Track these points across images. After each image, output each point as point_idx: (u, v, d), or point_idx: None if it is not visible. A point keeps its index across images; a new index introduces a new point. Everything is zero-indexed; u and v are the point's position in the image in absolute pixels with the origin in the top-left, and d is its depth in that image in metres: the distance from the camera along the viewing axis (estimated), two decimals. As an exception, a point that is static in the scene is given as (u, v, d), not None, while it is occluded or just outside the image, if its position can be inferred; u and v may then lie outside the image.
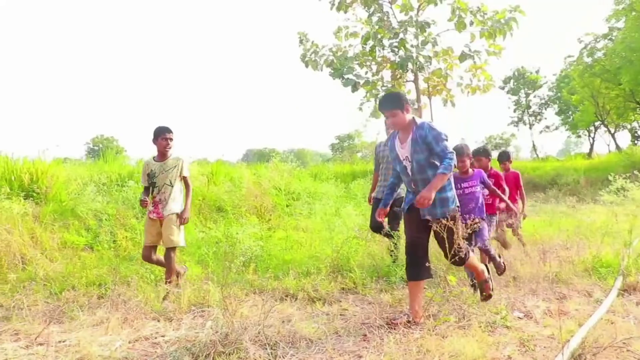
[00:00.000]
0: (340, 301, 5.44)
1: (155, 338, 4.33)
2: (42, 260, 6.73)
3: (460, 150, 5.73)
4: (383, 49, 14.81)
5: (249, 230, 8.12)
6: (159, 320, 4.84)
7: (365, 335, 4.35)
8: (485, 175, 5.92)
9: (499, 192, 6.21)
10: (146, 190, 5.95)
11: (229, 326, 4.07)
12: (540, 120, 40.79)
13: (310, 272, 6.22)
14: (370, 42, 14.63)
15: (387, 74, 15.64)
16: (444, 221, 4.43)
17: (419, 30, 14.37)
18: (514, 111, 41.25)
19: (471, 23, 14.25)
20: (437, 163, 4.45)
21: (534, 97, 40.61)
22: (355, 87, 14.71)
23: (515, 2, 14.01)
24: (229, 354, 3.80)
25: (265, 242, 7.82)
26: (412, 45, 14.40)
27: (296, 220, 10.25)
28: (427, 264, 4.62)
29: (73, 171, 10.32)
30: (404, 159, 4.66)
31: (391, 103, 4.62)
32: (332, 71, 14.96)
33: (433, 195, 4.33)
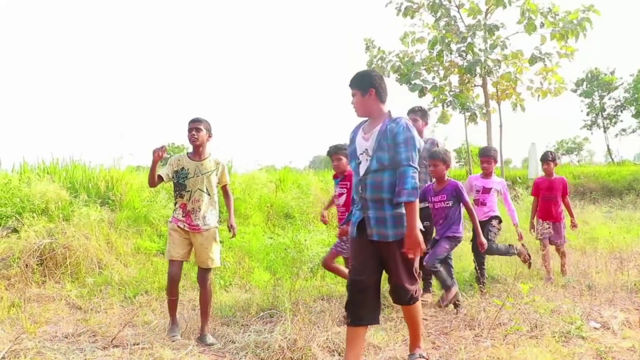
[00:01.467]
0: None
1: (225, 343, 4.43)
2: (117, 265, 6.99)
3: (433, 155, 5.23)
4: (450, 53, 14.67)
5: (317, 236, 8.18)
6: (228, 325, 4.94)
7: (434, 343, 4.31)
8: (462, 189, 5.15)
9: (473, 212, 5.23)
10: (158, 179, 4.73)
11: (297, 332, 4.11)
12: (615, 123, 39.08)
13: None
14: (438, 47, 14.51)
15: (454, 78, 15.48)
16: (395, 246, 3.51)
17: (487, 33, 14.14)
18: (587, 114, 39.69)
19: (542, 25, 13.91)
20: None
21: (609, 99, 38.95)
22: (422, 93, 14.60)
23: (589, 2, 13.54)
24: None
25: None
26: (480, 49, 14.18)
27: (363, 226, 10.23)
28: (377, 306, 3.70)
29: (146, 179, 10.66)
30: (361, 153, 3.67)
31: (354, 81, 3.73)
32: (399, 77, 14.90)
33: (420, 235, 3.41)
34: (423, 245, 3.43)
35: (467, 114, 15.05)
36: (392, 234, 3.49)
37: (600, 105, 38.88)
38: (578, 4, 13.62)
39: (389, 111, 3.67)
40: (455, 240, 5.24)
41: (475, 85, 15.48)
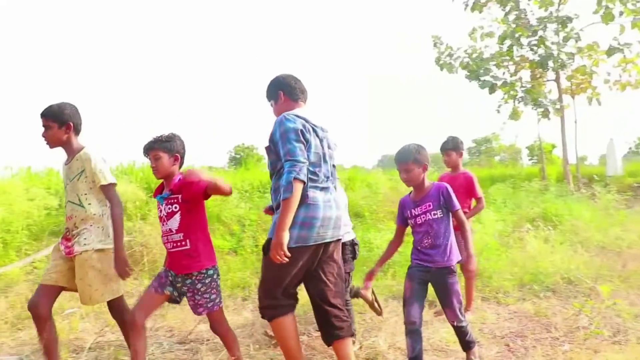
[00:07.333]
0: (482, 309, 5.29)
1: (300, 339, 4.46)
2: (192, 262, 7.18)
3: (398, 158, 3.60)
4: (521, 48, 14.32)
5: (387, 235, 8.11)
6: (299, 322, 5.00)
7: (509, 346, 4.21)
8: (448, 190, 3.60)
9: (466, 228, 3.75)
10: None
11: (365, 330, 4.11)
12: (702, 115, 37.02)
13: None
14: (507, 42, 14.22)
15: (525, 73, 15.09)
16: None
17: (559, 25, 13.72)
18: (671, 107, 37.79)
19: (620, 13, 13.35)
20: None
21: (695, 90, 36.97)
22: (492, 89, 14.32)
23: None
24: (366, 358, 3.85)
25: (404, 247, 7.78)
26: (552, 43, 13.79)
27: (434, 225, 10.12)
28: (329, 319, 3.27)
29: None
30: None
31: (267, 88, 3.48)
32: (468, 73, 14.65)
33: (284, 239, 2.93)
34: (283, 252, 2.94)
35: (540, 109, 14.60)
36: (267, 240, 3.17)
37: (685, 97, 36.88)
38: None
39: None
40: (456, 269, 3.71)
41: (547, 80, 15.03)
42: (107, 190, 3.43)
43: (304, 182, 3.01)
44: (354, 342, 4.01)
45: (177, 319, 5.13)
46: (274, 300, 3.16)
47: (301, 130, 3.11)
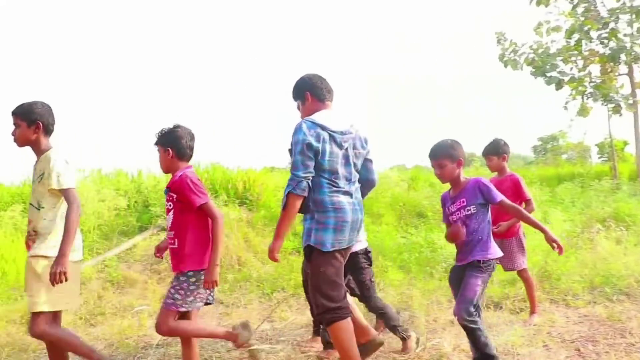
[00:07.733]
0: (550, 312, 5.14)
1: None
2: (255, 262, 7.31)
3: (431, 154, 3.65)
4: (590, 41, 13.82)
5: (450, 236, 8.03)
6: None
7: (579, 350, 4.07)
8: (488, 185, 3.52)
9: (521, 209, 3.80)
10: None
11: (429, 331, 4.08)
12: None
13: (515, 280, 5.96)
14: (576, 36, 13.75)
15: (595, 68, 14.50)
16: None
17: (634, 16, 13.13)
18: None
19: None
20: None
21: None
22: (559, 85, 13.87)
23: None
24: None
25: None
26: (625, 35, 13.22)
27: (498, 225, 9.90)
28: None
29: (281, 179, 11.05)
30: None
31: (294, 89, 3.50)
32: (534, 70, 14.23)
33: (277, 247, 3.20)
34: (275, 257, 3.23)
35: (611, 105, 14.03)
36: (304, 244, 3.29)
37: None
38: None
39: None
40: (488, 268, 3.48)
41: (619, 74, 14.43)
42: (66, 194, 3.17)
43: (301, 196, 3.09)
44: (405, 338, 4.03)
45: (241, 317, 5.22)
46: (329, 305, 3.19)
47: (308, 144, 3.10)
